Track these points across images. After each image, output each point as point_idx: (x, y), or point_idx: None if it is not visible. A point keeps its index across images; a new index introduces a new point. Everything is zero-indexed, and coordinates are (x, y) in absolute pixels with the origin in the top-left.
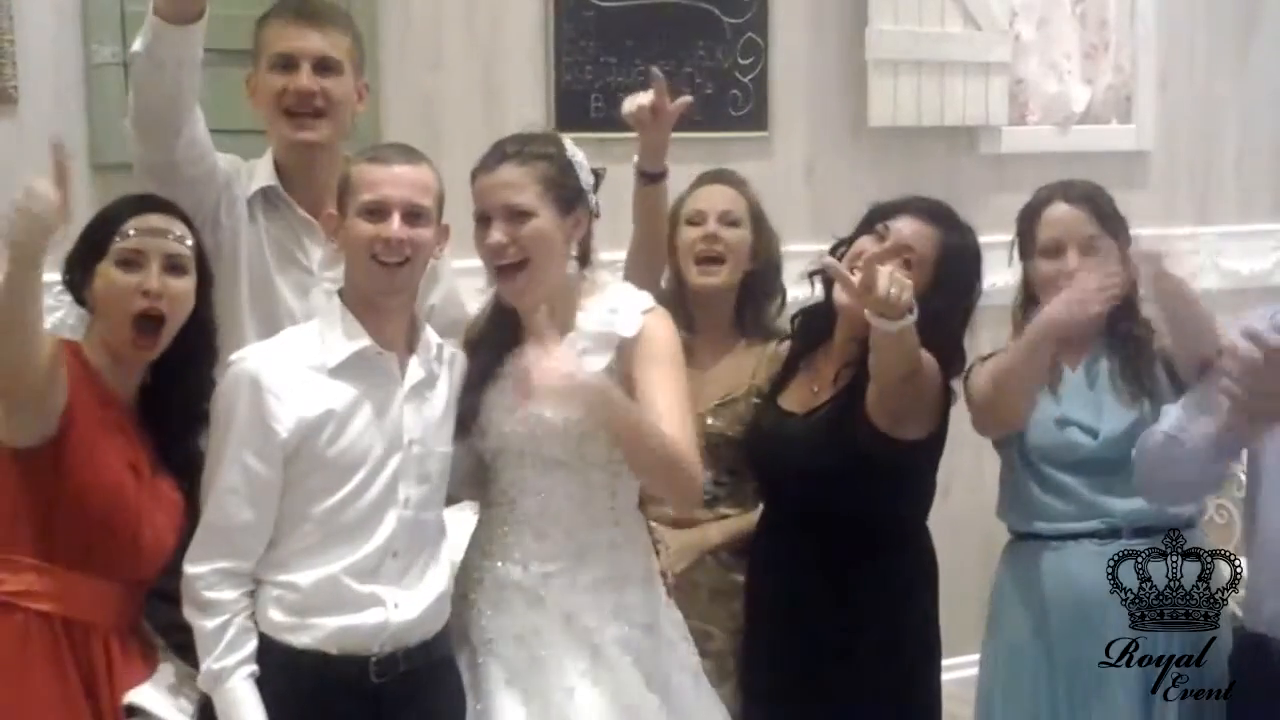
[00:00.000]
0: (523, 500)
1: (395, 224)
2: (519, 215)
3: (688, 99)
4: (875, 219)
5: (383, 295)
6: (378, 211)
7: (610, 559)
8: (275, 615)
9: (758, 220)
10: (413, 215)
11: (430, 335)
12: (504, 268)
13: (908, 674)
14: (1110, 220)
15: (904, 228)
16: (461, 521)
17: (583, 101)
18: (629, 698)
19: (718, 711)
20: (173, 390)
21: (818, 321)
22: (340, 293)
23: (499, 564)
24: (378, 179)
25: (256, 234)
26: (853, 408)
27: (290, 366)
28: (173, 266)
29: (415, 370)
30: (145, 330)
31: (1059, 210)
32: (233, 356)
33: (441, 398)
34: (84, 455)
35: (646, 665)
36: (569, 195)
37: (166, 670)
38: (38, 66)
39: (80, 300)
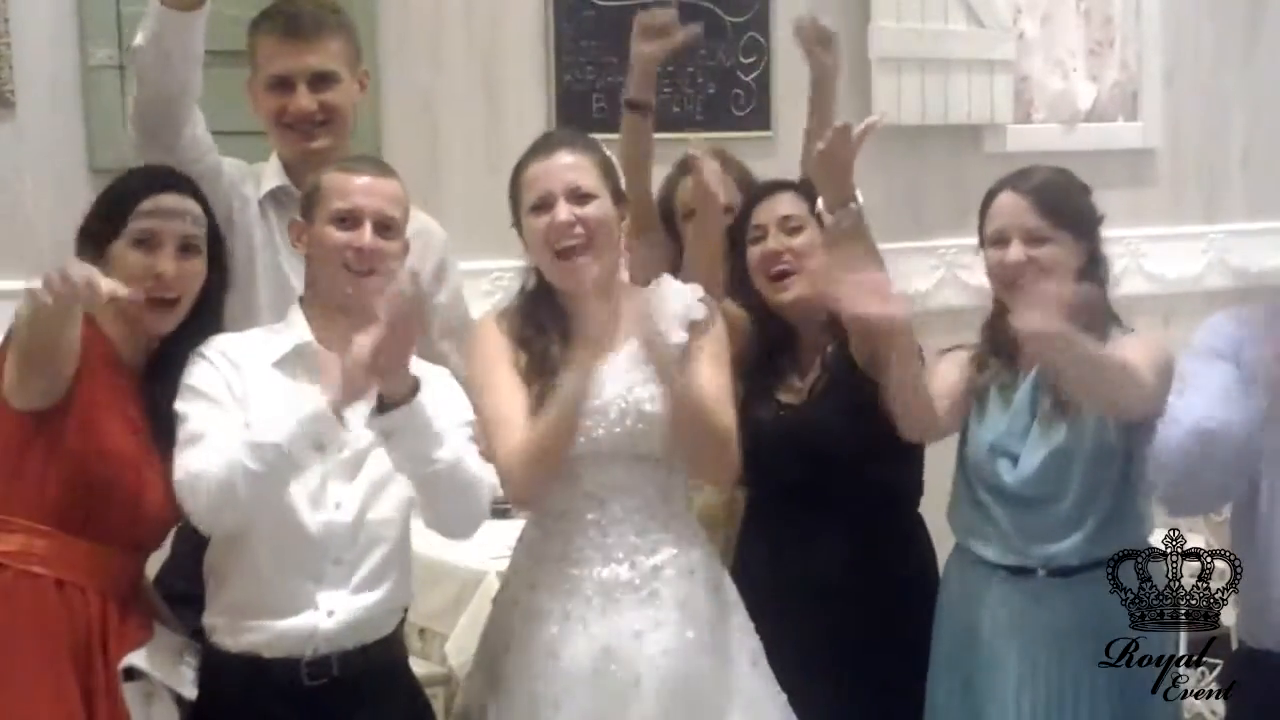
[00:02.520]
0: (614, 500)
1: (367, 234)
2: (583, 196)
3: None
4: (743, 227)
5: (348, 302)
6: (349, 220)
7: (699, 537)
8: (213, 617)
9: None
10: (383, 226)
11: None
12: (566, 250)
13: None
14: (1061, 214)
15: (765, 210)
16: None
17: (584, 101)
18: (742, 678)
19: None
20: (180, 365)
21: (774, 326)
22: (301, 300)
23: (599, 570)
24: (350, 187)
25: (269, 232)
26: (856, 377)
27: (241, 357)
28: (186, 248)
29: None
30: (158, 308)
31: (1004, 200)
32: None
33: None
34: (89, 420)
35: (752, 640)
36: (617, 187)
37: (168, 637)
38: (34, 69)
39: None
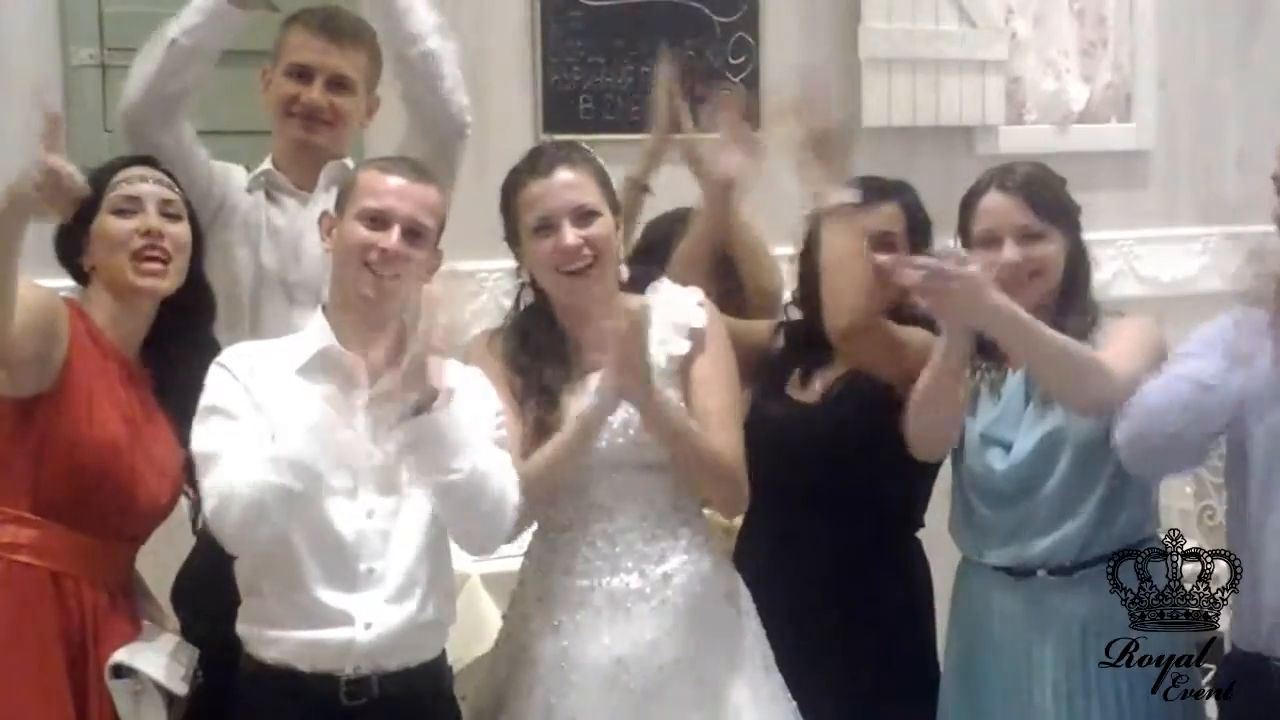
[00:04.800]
0: (621, 509)
1: (394, 236)
2: (587, 215)
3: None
4: None
5: (365, 303)
6: (379, 220)
7: (711, 543)
8: (245, 626)
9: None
10: (412, 233)
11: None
12: (574, 270)
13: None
14: (1049, 209)
15: (872, 219)
16: None
17: (571, 102)
18: (755, 684)
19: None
20: (174, 345)
21: (810, 336)
22: (324, 307)
23: (608, 580)
24: (384, 188)
25: (253, 222)
26: (880, 389)
27: (262, 366)
28: (167, 213)
29: (385, 382)
30: (149, 268)
31: (991, 200)
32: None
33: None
34: (81, 407)
35: (764, 646)
36: (613, 197)
37: (158, 634)
38: (15, 69)
39: (76, 271)
